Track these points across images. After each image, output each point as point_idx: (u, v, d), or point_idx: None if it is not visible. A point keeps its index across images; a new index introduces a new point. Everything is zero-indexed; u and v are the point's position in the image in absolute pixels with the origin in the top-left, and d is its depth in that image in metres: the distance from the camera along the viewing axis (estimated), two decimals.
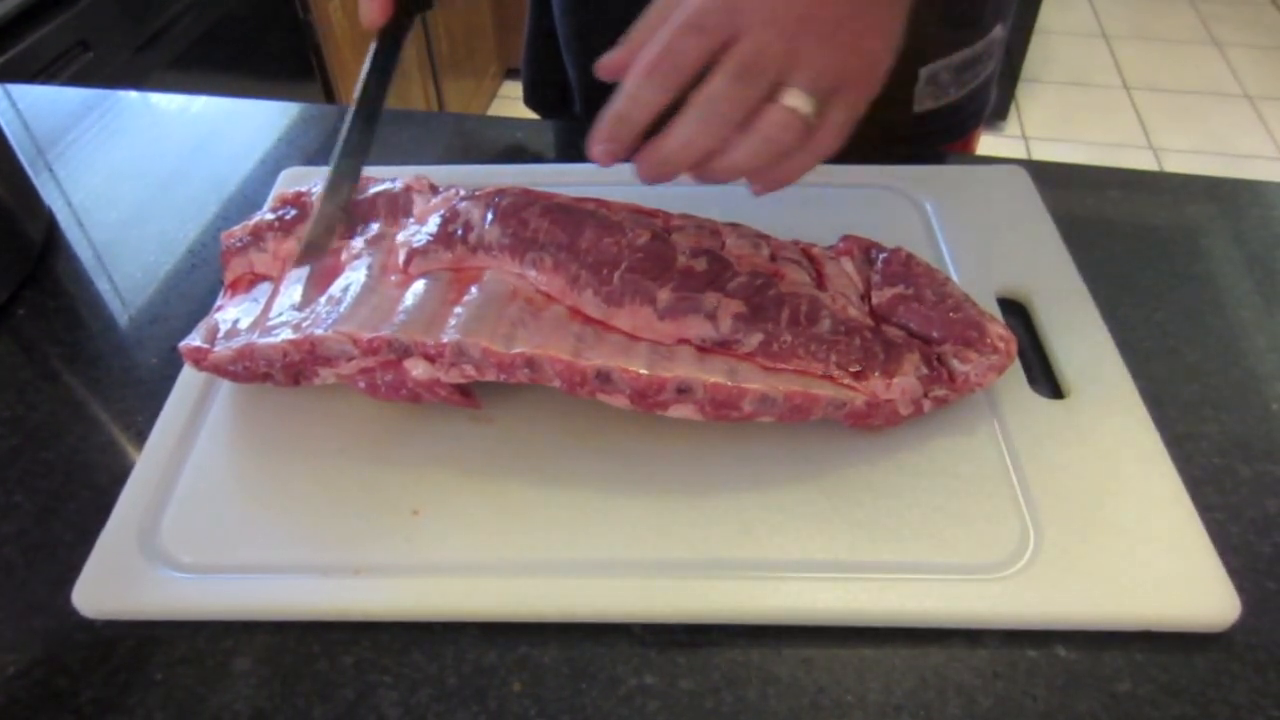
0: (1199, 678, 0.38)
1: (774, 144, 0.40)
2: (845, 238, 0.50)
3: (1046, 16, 2.69)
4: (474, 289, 0.44)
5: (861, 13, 0.40)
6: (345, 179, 0.47)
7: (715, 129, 0.40)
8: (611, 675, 0.38)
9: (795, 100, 0.39)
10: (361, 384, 0.44)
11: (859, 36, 0.40)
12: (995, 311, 0.50)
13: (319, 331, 0.43)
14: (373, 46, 0.47)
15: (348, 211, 0.48)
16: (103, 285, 0.58)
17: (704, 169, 0.41)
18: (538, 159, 0.69)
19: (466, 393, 0.45)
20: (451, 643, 0.39)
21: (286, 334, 0.44)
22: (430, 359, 0.43)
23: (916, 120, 0.69)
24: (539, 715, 0.37)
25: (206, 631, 0.40)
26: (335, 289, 0.45)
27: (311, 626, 0.40)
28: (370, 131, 0.47)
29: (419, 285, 0.45)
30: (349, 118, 0.47)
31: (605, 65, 0.43)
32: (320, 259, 0.47)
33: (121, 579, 0.40)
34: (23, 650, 0.39)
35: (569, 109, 0.81)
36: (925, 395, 0.44)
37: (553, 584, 0.40)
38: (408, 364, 0.43)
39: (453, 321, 0.43)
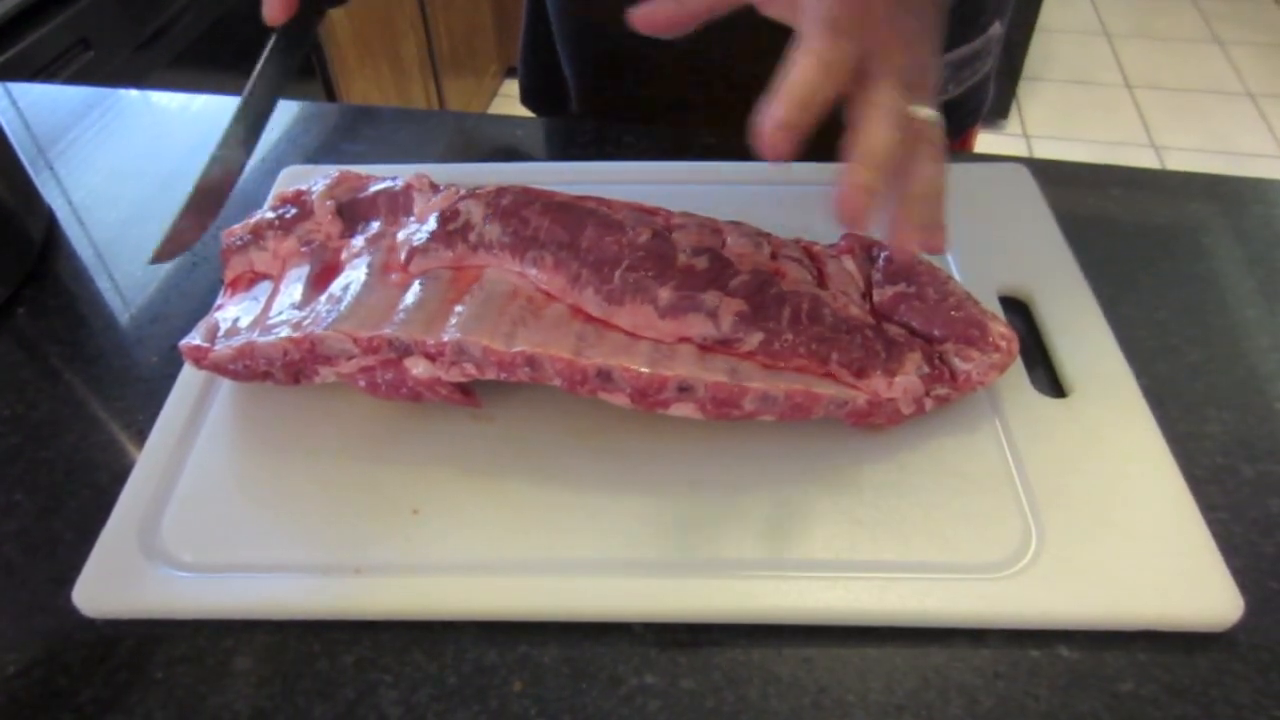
0: (1202, 678, 0.37)
1: (940, 154, 0.39)
2: (846, 236, 0.50)
3: (1048, 14, 2.69)
4: (474, 288, 0.44)
5: (924, 30, 0.41)
6: (222, 174, 0.45)
7: (899, 134, 0.38)
8: (612, 675, 0.38)
9: (927, 113, 0.39)
10: (362, 382, 0.44)
11: (929, 49, 0.41)
12: (997, 310, 0.50)
13: (319, 330, 0.43)
14: (270, 42, 0.46)
15: (217, 210, 0.46)
16: (103, 284, 0.58)
17: (906, 196, 0.39)
18: (538, 157, 0.69)
19: (467, 391, 0.45)
20: (452, 642, 0.39)
21: (287, 332, 0.44)
22: (431, 358, 0.43)
23: None
24: (539, 715, 0.37)
25: (207, 630, 0.40)
26: (335, 287, 0.45)
27: (312, 626, 0.40)
28: (258, 129, 0.45)
29: (419, 284, 0.45)
30: (234, 112, 0.45)
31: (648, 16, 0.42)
32: (173, 257, 0.46)
33: (122, 578, 0.40)
34: (23, 649, 0.39)
35: (565, 107, 0.81)
36: (927, 394, 0.44)
37: (553, 583, 0.40)
38: (408, 363, 0.43)
39: (453, 320, 0.43)
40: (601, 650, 0.39)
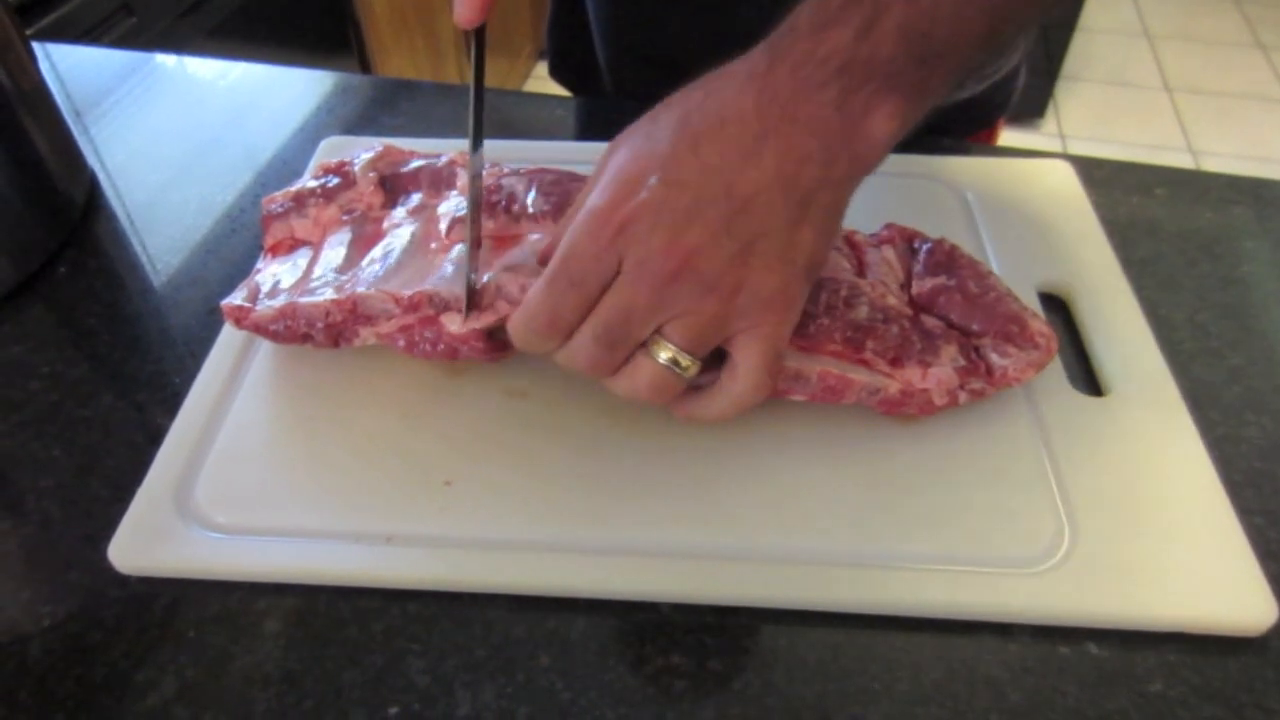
0: (1232, 681, 0.37)
1: (647, 395, 0.39)
2: (888, 226, 0.49)
3: (1089, 14, 2.66)
4: (514, 246, 0.45)
5: (756, 249, 0.36)
6: (477, 184, 0.45)
7: (586, 371, 0.39)
8: (639, 653, 0.38)
9: (667, 354, 0.38)
10: (401, 342, 0.44)
11: (756, 273, 0.36)
12: (1036, 306, 0.50)
13: (361, 290, 0.43)
14: (473, 47, 0.46)
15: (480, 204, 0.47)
16: (139, 247, 0.58)
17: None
18: (572, 136, 0.69)
19: (502, 345, 0.44)
20: (480, 614, 0.39)
21: (329, 293, 0.44)
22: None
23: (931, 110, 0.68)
24: (566, 689, 0.37)
25: (239, 592, 0.40)
26: (376, 253, 0.46)
27: (342, 591, 0.40)
28: (482, 125, 0.46)
29: (459, 249, 0.45)
30: (470, 121, 0.45)
31: (540, 256, 0.43)
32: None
33: (156, 537, 0.41)
34: (58, 603, 0.40)
35: (594, 82, 0.81)
36: (961, 387, 0.43)
37: (583, 560, 0.40)
38: (444, 319, 0.43)
39: (491, 274, 0.43)
40: (629, 629, 0.39)
